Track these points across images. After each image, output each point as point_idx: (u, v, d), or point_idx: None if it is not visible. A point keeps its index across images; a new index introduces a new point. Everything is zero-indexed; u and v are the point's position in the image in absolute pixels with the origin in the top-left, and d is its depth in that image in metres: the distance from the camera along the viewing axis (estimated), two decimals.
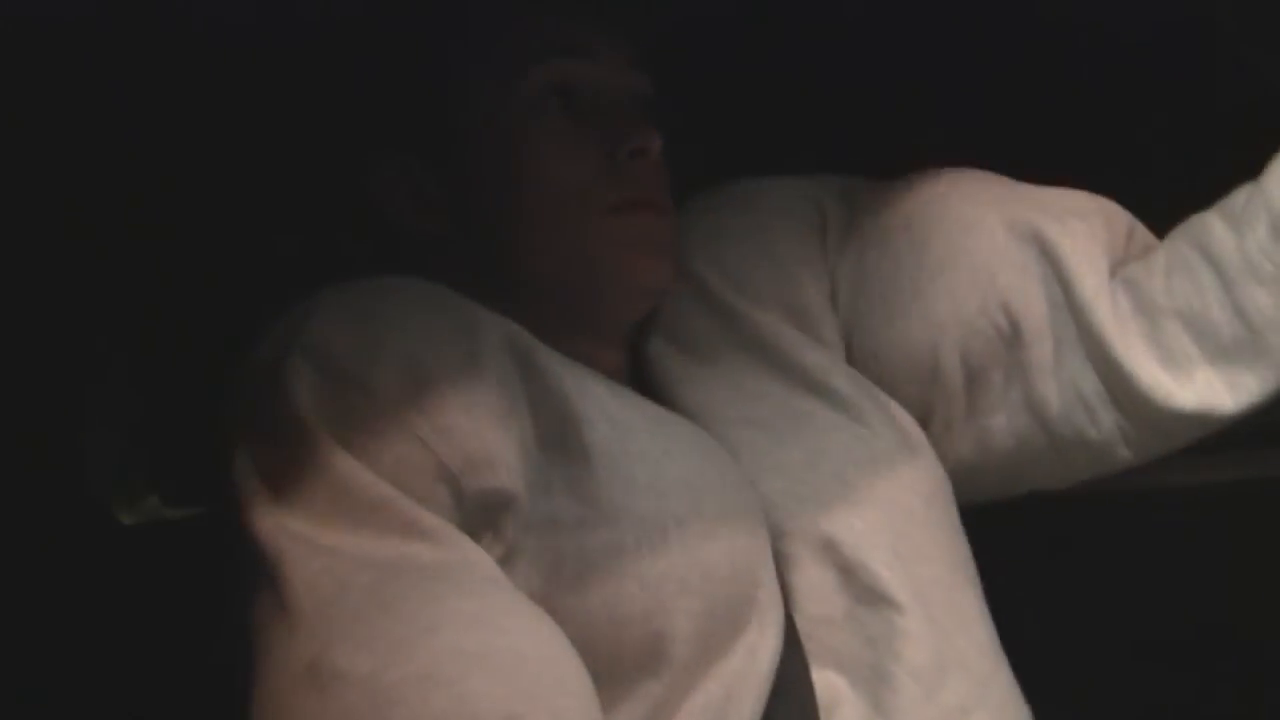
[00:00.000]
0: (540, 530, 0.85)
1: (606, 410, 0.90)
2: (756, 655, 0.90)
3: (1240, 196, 1.01)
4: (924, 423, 1.07)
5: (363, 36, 1.03)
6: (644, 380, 1.05)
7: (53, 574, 1.11)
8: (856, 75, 1.27)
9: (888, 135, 1.27)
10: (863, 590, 0.95)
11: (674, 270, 1.02)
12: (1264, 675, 1.18)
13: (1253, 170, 1.02)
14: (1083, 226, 1.05)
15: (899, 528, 0.98)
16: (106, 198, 1.15)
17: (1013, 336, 1.04)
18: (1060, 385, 1.03)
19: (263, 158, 1.11)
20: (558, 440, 0.87)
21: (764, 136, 1.27)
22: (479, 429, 0.84)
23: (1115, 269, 1.05)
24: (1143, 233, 1.09)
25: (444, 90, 1.00)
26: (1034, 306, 1.03)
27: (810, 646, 0.94)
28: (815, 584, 0.96)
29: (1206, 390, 0.99)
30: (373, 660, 0.76)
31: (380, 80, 1.02)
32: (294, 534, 0.80)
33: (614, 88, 1.01)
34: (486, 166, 0.99)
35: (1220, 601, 1.19)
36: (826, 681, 0.93)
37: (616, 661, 0.85)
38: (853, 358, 1.08)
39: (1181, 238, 1.04)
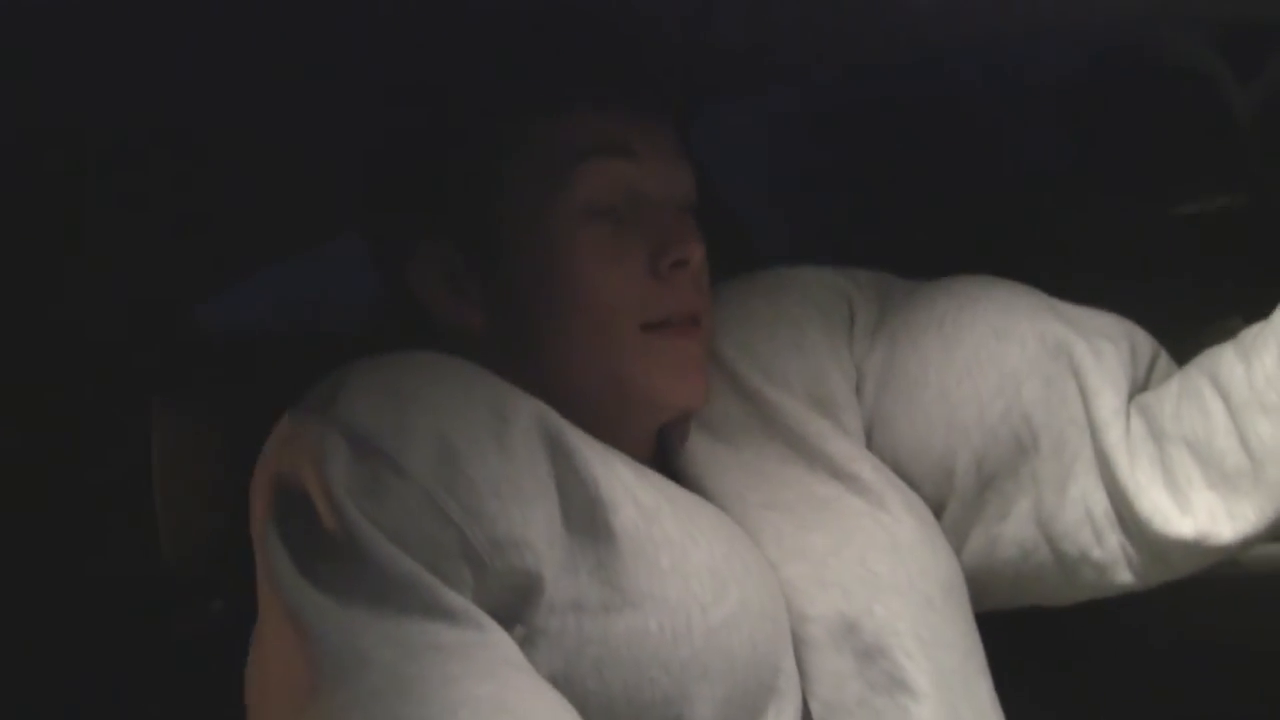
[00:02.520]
0: (564, 613, 0.86)
1: (634, 495, 0.91)
2: None
3: (1253, 330, 1.03)
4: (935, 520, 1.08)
5: (414, 121, 1.04)
6: (670, 461, 1.06)
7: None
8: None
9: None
10: (880, 676, 0.96)
11: (705, 387, 1.03)
12: None
13: None
14: (1110, 349, 1.06)
15: (919, 615, 0.99)
16: (155, 276, 1.17)
17: (1031, 448, 1.05)
18: (1070, 502, 1.04)
19: (309, 232, 1.13)
20: (585, 524, 0.88)
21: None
22: (507, 511, 0.84)
23: (1134, 394, 1.06)
24: (1166, 361, 1.10)
25: (489, 183, 1.01)
26: (1055, 421, 1.04)
27: None
28: (833, 670, 0.96)
29: (1206, 517, 0.99)
30: None
31: (427, 166, 1.03)
32: (318, 607, 0.81)
33: (657, 189, 1.01)
34: (527, 266, 1.00)
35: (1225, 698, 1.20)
36: None
37: None
38: (872, 450, 1.09)
39: (1194, 367, 1.05)
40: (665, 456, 1.06)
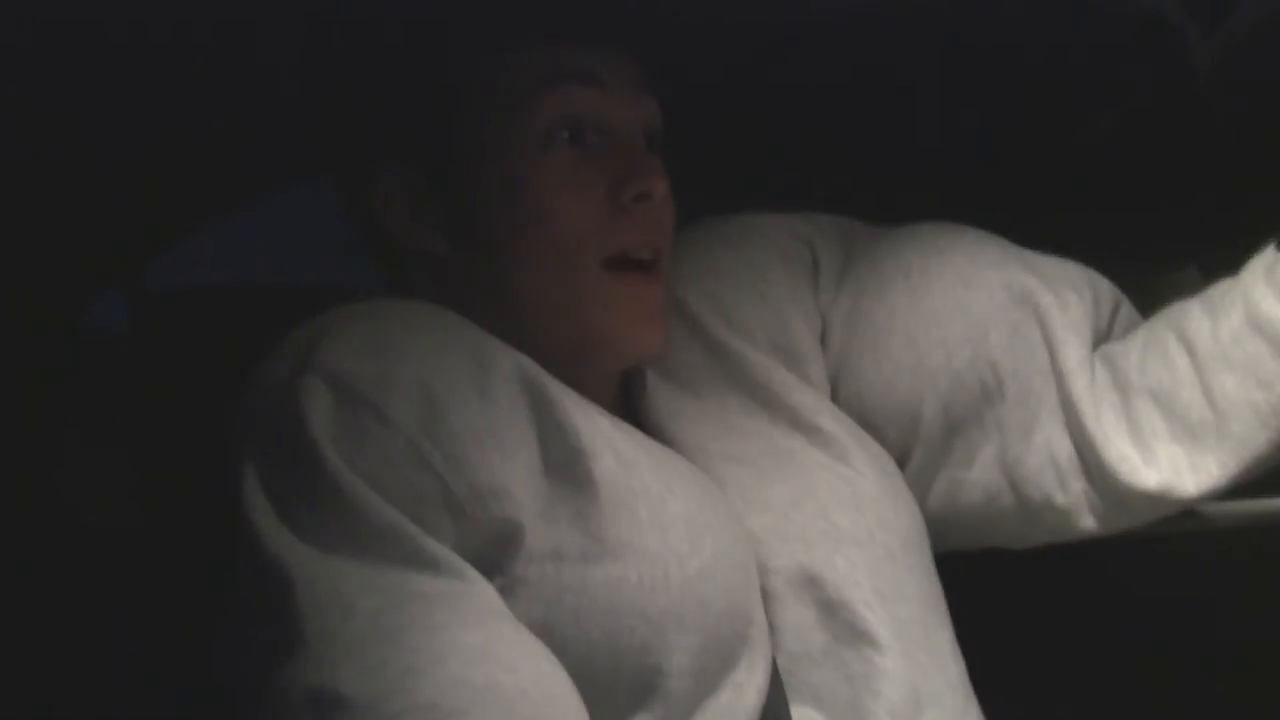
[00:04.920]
0: (543, 562, 0.86)
1: (613, 446, 0.91)
2: (744, 692, 0.92)
3: (1220, 287, 1.04)
4: (900, 466, 1.09)
5: (377, 48, 1.02)
6: (634, 411, 1.06)
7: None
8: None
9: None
10: (843, 628, 0.97)
11: (664, 334, 1.03)
12: None
13: None
14: (1075, 298, 1.07)
15: (879, 567, 0.99)
16: (108, 200, 1.14)
17: (996, 395, 1.06)
18: (1035, 448, 1.05)
19: (273, 161, 1.11)
20: (565, 473, 0.88)
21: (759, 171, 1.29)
22: (488, 460, 0.85)
23: (1098, 343, 1.08)
24: (1128, 309, 1.11)
25: (452, 110, 0.99)
26: (1021, 369, 1.05)
27: (791, 683, 0.96)
28: (797, 621, 0.97)
29: (1170, 469, 1.00)
30: (378, 688, 0.76)
31: (391, 93, 1.01)
32: (300, 555, 0.80)
33: (622, 119, 1.00)
34: (489, 194, 0.98)
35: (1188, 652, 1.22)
36: (806, 717, 0.95)
37: (611, 693, 0.86)
38: (838, 397, 1.09)
39: (1160, 320, 1.06)
40: (630, 406, 1.06)
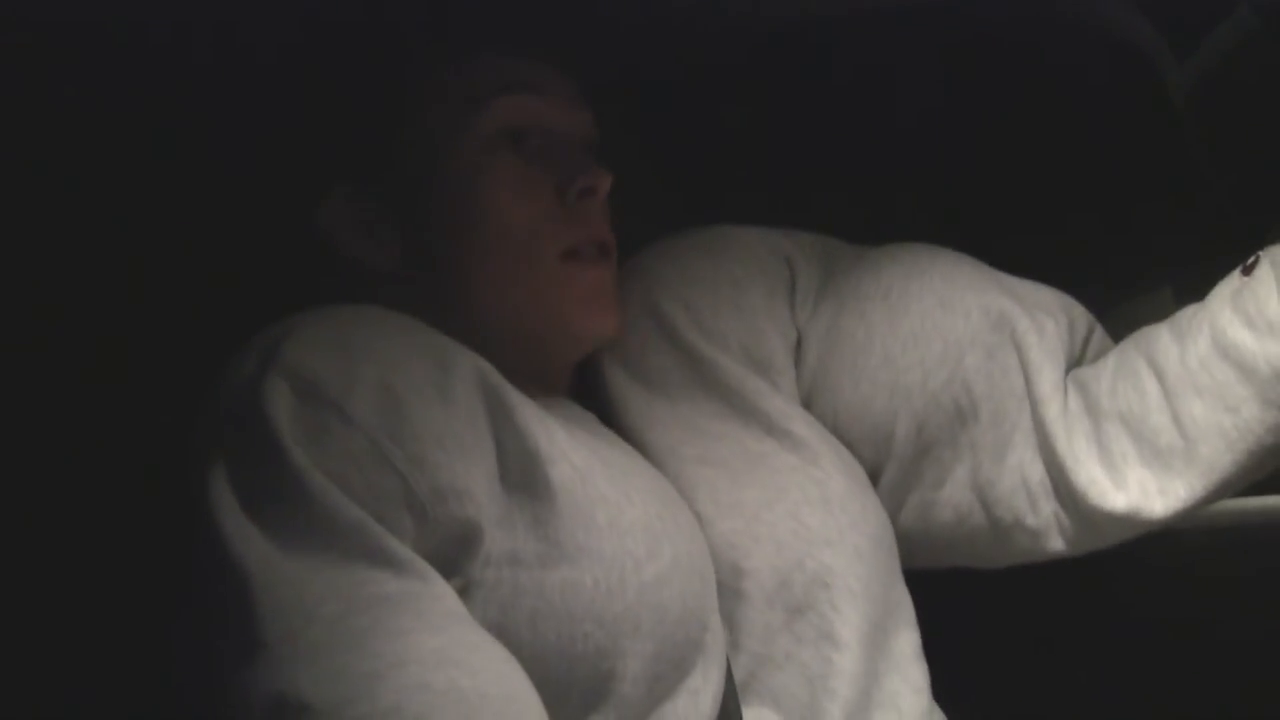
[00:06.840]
0: (500, 566, 0.87)
1: (568, 454, 0.92)
2: (699, 698, 0.93)
3: (1188, 312, 1.05)
4: (872, 483, 1.10)
5: (316, 65, 1.04)
6: (606, 414, 1.07)
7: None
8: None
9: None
10: (808, 629, 0.98)
11: (618, 318, 1.05)
12: None
13: None
14: (1051, 324, 1.08)
15: (849, 566, 1.01)
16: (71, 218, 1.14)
17: (970, 416, 1.07)
18: (1007, 470, 1.06)
19: (222, 179, 1.11)
20: (523, 477, 0.89)
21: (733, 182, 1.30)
22: (449, 461, 0.85)
23: (1071, 367, 1.09)
24: (1101, 335, 1.13)
25: (395, 123, 1.01)
26: (995, 392, 1.06)
27: (750, 684, 0.97)
28: (764, 624, 0.98)
29: (1138, 492, 1.01)
30: (340, 693, 0.76)
31: (332, 110, 1.03)
32: (262, 555, 0.81)
33: (562, 125, 1.04)
34: (438, 204, 1.00)
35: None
36: (761, 718, 0.96)
37: (565, 698, 0.87)
38: (812, 413, 1.10)
39: (1131, 345, 1.08)
40: (602, 410, 1.07)
